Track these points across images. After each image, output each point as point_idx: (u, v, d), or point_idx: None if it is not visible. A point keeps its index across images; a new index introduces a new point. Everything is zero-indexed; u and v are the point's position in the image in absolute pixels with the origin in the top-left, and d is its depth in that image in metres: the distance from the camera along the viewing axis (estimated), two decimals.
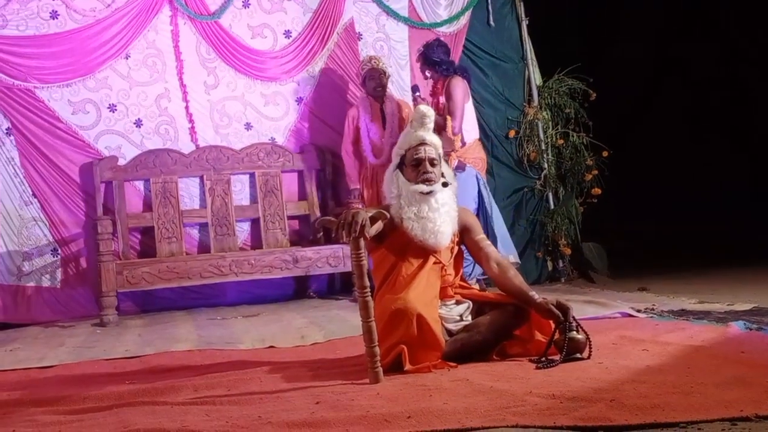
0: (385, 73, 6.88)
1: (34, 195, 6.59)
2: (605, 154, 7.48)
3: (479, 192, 6.38)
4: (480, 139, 6.81)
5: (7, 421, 3.00)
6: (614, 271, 7.52)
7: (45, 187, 6.62)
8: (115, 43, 6.82)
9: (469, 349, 3.56)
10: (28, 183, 6.58)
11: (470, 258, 4.07)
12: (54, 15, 6.68)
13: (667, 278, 6.91)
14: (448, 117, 6.28)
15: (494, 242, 5.47)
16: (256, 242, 7.07)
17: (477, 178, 6.41)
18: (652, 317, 4.71)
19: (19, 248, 6.54)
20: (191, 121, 7.03)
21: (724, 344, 3.61)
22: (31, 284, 6.55)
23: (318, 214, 7.13)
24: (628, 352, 3.55)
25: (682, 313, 4.79)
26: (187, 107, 7.02)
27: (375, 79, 6.82)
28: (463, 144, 6.42)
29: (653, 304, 5.20)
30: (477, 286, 4.48)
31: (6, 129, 6.56)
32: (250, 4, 7.24)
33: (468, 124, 6.49)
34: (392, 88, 7.18)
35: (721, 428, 2.37)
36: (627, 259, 8.19)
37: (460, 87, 6.45)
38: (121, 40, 6.83)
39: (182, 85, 7.01)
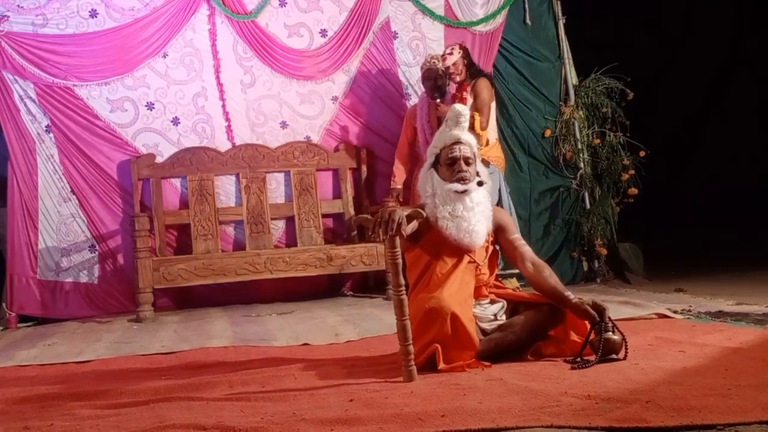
0: (442, 74, 6.67)
1: (72, 192, 6.67)
2: (642, 153, 7.42)
3: (499, 189, 6.51)
4: (499, 140, 6.96)
5: (46, 414, 3.04)
6: (650, 272, 7.45)
7: (83, 183, 6.70)
8: (153, 42, 6.88)
9: (503, 348, 3.55)
10: (67, 180, 6.66)
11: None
12: (93, 14, 6.75)
13: (705, 279, 6.84)
14: (476, 113, 6.28)
15: None
16: (291, 240, 7.10)
17: (499, 175, 6.57)
18: (689, 318, 4.66)
19: (57, 244, 6.62)
20: (228, 119, 7.07)
21: (763, 346, 3.56)
22: (69, 280, 6.64)
23: (352, 212, 7.15)
24: (665, 354, 3.52)
25: (720, 315, 4.73)
26: (223, 105, 7.06)
27: (430, 80, 6.70)
28: (488, 143, 6.49)
29: (690, 306, 5.14)
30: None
31: (45, 126, 6.65)
32: (286, 3, 7.26)
33: (491, 125, 6.58)
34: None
35: (760, 431, 2.34)
36: (664, 260, 8.11)
37: (486, 87, 6.58)
38: (159, 38, 6.89)
39: (219, 84, 7.06)
